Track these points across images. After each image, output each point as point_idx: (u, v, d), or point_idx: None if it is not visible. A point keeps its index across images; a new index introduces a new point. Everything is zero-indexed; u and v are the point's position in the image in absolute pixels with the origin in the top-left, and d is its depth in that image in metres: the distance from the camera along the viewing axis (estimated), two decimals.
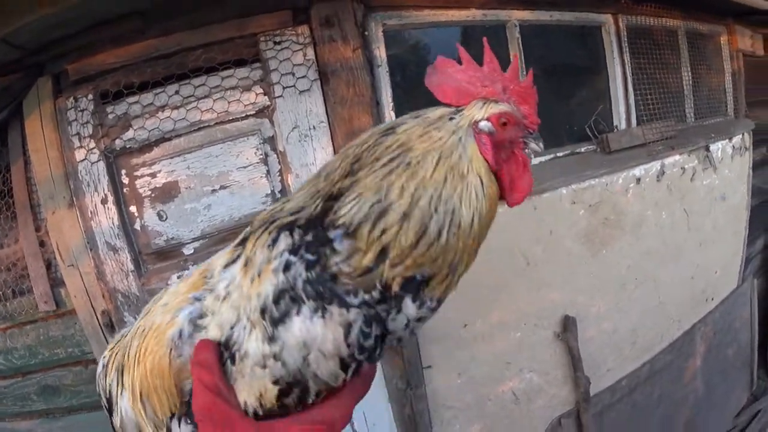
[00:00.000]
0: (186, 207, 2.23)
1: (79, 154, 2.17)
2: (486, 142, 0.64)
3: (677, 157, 3.16)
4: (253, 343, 0.62)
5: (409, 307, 0.62)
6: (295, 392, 0.61)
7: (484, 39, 0.70)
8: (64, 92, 2.19)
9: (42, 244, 2.29)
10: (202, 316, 0.67)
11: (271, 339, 0.61)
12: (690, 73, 3.48)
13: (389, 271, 0.60)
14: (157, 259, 2.26)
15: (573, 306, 2.89)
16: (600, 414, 3.11)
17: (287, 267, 0.61)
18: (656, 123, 3.06)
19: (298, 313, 0.60)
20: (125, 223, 2.21)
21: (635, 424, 3.37)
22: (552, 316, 2.84)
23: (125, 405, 0.74)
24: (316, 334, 0.59)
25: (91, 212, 2.20)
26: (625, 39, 2.98)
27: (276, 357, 0.60)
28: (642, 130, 2.98)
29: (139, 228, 2.23)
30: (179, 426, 0.69)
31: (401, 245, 0.59)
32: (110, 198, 2.18)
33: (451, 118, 0.65)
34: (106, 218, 2.20)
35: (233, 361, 0.63)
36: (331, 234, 0.61)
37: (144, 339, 0.72)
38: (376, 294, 0.60)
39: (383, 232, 0.59)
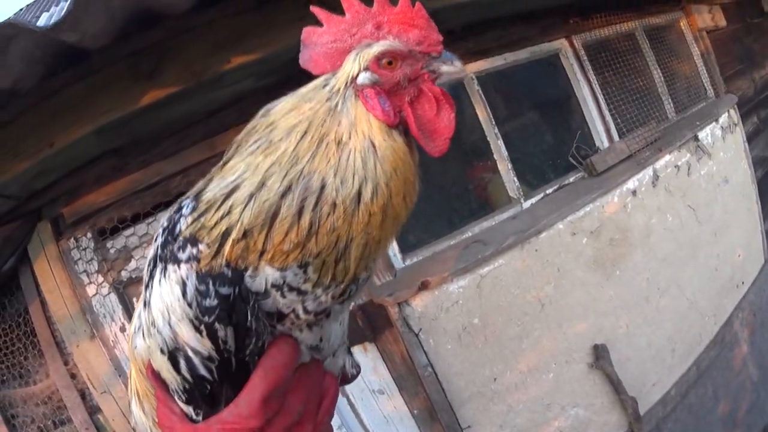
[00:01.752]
0: None
1: (90, 290, 2.31)
2: (371, 96, 0.57)
3: (667, 157, 3.18)
4: (143, 313, 0.64)
5: (266, 268, 0.56)
6: (182, 363, 0.60)
7: None
8: (65, 233, 2.33)
9: (73, 376, 2.42)
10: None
11: (145, 304, 0.62)
12: (659, 70, 3.52)
13: (250, 255, 0.56)
14: None
15: (600, 333, 2.88)
16: (658, 428, 3.08)
17: (156, 239, 0.62)
18: (638, 131, 3.09)
19: (152, 277, 0.61)
20: None
21: (697, 425, 3.32)
22: (581, 348, 2.84)
23: (135, 408, 0.79)
24: (165, 296, 0.58)
25: (112, 341, 2.34)
26: (585, 58, 3.03)
27: (153, 324, 0.61)
28: (625, 142, 3.01)
29: None
30: None
31: (244, 224, 0.54)
32: (128, 326, 2.29)
33: (324, 85, 0.59)
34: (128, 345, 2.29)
35: (144, 339, 0.65)
36: (185, 209, 0.59)
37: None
38: (203, 247, 0.56)
39: (228, 212, 0.55)
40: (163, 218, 0.62)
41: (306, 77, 0.64)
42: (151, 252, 0.63)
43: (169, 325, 0.59)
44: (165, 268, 0.59)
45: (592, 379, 2.89)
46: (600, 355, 2.86)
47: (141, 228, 2.34)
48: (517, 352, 2.64)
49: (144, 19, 1.62)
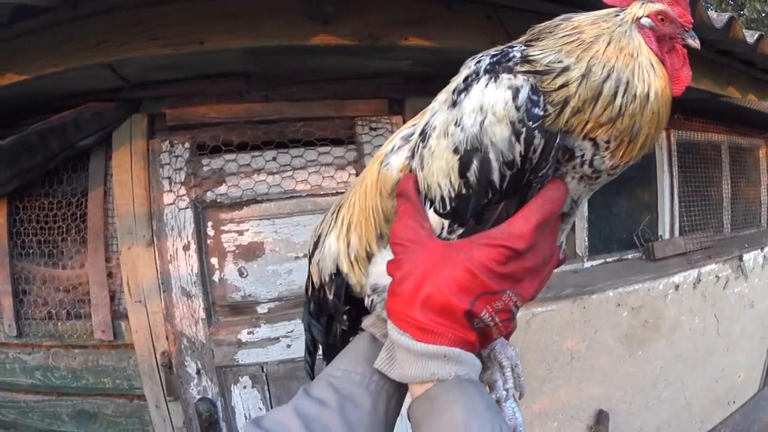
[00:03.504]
0: (268, 268, 2.41)
1: (168, 198, 2.31)
2: (649, 35, 0.72)
3: (713, 265, 3.48)
4: (441, 116, 0.70)
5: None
6: (474, 164, 0.66)
7: None
8: (158, 134, 2.33)
9: (110, 275, 2.40)
10: (411, 134, 0.78)
11: (454, 104, 0.69)
12: (730, 186, 3.84)
13: (568, 120, 0.66)
14: (230, 312, 2.43)
15: (608, 401, 3.16)
16: None
17: (478, 62, 0.71)
18: (697, 233, 3.40)
19: (477, 82, 0.68)
20: (204, 272, 2.36)
21: None
22: (588, 409, 3.11)
23: (331, 241, 0.86)
24: (489, 96, 0.66)
25: (170, 255, 2.34)
26: (675, 153, 3.34)
27: (457, 123, 0.67)
28: (684, 239, 3.31)
29: (217, 280, 2.39)
30: (381, 250, 0.78)
31: (580, 98, 0.66)
32: (193, 246, 2.33)
33: (616, 15, 0.73)
34: (186, 264, 2.35)
35: (425, 142, 0.72)
36: (516, 53, 0.69)
37: (363, 175, 0.84)
38: (540, 68, 0.66)
39: (564, 85, 0.66)
40: (474, 62, 0.71)
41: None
42: (467, 72, 0.71)
43: (481, 124, 0.66)
44: (497, 76, 0.67)
45: None
46: (601, 421, 3.12)
47: (243, 158, 2.35)
48: (536, 392, 2.90)
49: None
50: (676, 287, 3.27)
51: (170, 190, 2.32)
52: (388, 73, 2.43)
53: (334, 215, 0.89)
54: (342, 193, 2.19)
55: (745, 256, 3.79)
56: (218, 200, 2.36)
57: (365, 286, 0.78)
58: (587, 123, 0.66)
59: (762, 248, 3.98)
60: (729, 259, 3.64)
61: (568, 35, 0.70)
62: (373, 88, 2.46)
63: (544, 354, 2.85)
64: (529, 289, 0.67)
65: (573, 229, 2.96)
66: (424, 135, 0.73)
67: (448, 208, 0.69)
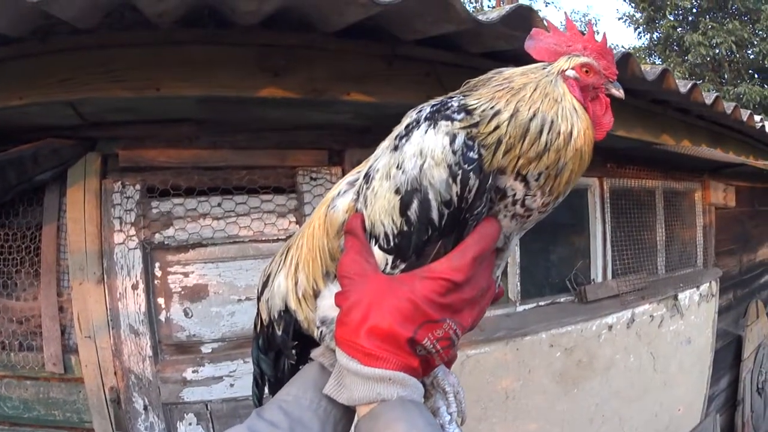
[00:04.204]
0: (212, 310, 2.49)
1: (118, 237, 2.37)
2: (573, 85, 0.78)
3: (647, 306, 3.68)
4: (383, 159, 0.77)
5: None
6: (415, 204, 0.72)
7: (566, 14, 0.95)
8: (111, 174, 2.38)
9: (61, 309, 2.44)
10: (356, 180, 0.85)
11: (396, 148, 0.75)
12: (664, 230, 4.05)
13: (501, 159, 0.72)
14: (176, 350, 2.50)
15: None
16: None
17: (419, 112, 0.78)
18: (630, 276, 3.60)
19: (417, 129, 0.74)
20: (151, 311, 2.43)
21: None
22: None
23: (280, 280, 0.91)
24: (428, 142, 0.72)
25: (119, 294, 2.39)
26: (608, 200, 3.54)
27: (398, 166, 0.73)
28: (616, 282, 3.50)
29: (163, 319, 2.47)
30: (329, 286, 0.83)
31: (510, 136, 0.71)
32: (141, 285, 2.40)
33: (544, 68, 0.80)
34: (134, 303, 2.41)
35: (368, 184, 0.78)
36: (454, 103, 0.76)
37: (311, 219, 0.91)
38: (476, 117, 0.73)
39: (497, 127, 0.72)
40: (415, 111, 0.79)
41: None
42: (408, 121, 0.78)
43: (420, 167, 0.72)
44: (435, 123, 0.73)
45: None
46: None
47: (191, 202, 2.42)
48: (473, 431, 3.05)
49: (298, 20, 1.83)
50: (610, 328, 3.45)
51: (120, 230, 2.39)
52: (330, 125, 2.54)
53: (283, 255, 0.94)
54: (283, 240, 2.30)
55: (681, 295, 3.99)
56: (166, 242, 2.44)
57: (313, 321, 0.84)
58: (518, 159, 0.72)
59: (698, 287, 4.19)
60: (664, 298, 3.84)
61: (499, 85, 0.77)
62: (314, 139, 2.57)
63: (479, 394, 3.00)
64: (468, 319, 0.72)
65: (505, 274, 3.14)
66: (368, 177, 0.79)
67: (392, 244, 0.74)
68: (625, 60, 2.40)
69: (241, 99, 2.04)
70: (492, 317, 3.05)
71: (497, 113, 0.73)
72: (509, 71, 0.80)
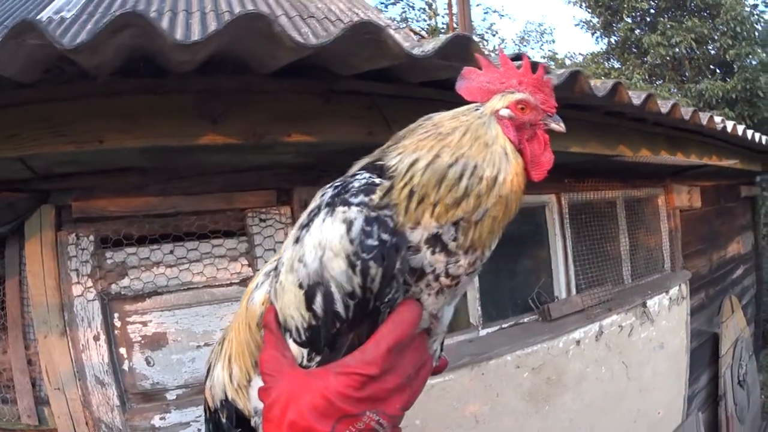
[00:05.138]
0: (173, 357, 2.51)
1: (76, 290, 2.37)
2: (508, 125, 0.75)
3: (615, 317, 3.71)
4: (287, 252, 0.75)
5: (426, 221, 0.70)
6: (318, 298, 0.70)
7: (500, 49, 0.99)
8: (65, 226, 2.39)
9: (30, 362, 2.45)
10: (272, 270, 0.83)
11: (297, 240, 0.73)
12: (627, 239, 4.09)
13: (416, 209, 0.70)
14: (142, 399, 2.51)
15: None
16: None
17: (323, 195, 0.76)
18: (595, 289, 3.63)
19: (317, 217, 0.72)
20: (114, 362, 2.44)
21: None
22: None
23: (218, 370, 0.91)
24: (326, 232, 0.69)
25: (82, 345, 2.40)
26: (567, 215, 3.57)
27: (300, 259, 0.71)
28: (581, 297, 3.53)
29: (127, 369, 2.48)
30: (256, 377, 0.82)
31: (424, 185, 0.70)
32: (102, 337, 2.41)
33: (476, 109, 0.77)
34: (97, 354, 2.42)
35: (277, 278, 0.76)
36: (355, 186, 0.73)
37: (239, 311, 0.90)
38: (375, 198, 0.70)
39: (411, 178, 0.70)
40: (320, 194, 0.77)
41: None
42: (311, 207, 0.77)
43: (320, 260, 0.69)
44: (333, 210, 0.70)
45: None
46: None
47: (143, 251, 2.44)
48: None
49: (233, 65, 1.86)
50: (577, 342, 3.48)
51: (78, 282, 2.39)
52: (275, 165, 2.55)
53: (220, 345, 0.94)
54: (236, 283, 2.32)
55: (649, 302, 4.03)
56: (122, 292, 2.44)
57: (251, 410, 0.83)
58: (434, 207, 0.70)
59: (667, 291, 4.23)
60: (632, 307, 3.87)
61: (425, 132, 0.75)
62: (260, 180, 2.57)
63: (447, 421, 3.01)
64: (395, 406, 0.70)
65: (465, 299, 3.16)
66: (276, 270, 0.78)
67: (303, 338, 0.73)
68: (574, 79, 2.41)
69: (183, 148, 2.05)
70: (454, 344, 3.08)
71: (414, 163, 0.72)
72: (439, 116, 0.78)
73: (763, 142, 5.12)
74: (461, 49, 1.85)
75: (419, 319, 0.73)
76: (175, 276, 2.50)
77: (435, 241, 0.71)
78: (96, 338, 2.43)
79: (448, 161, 0.71)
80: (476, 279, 3.15)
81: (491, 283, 3.31)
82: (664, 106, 3.38)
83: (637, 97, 3.07)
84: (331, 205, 0.72)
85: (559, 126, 0.81)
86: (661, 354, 4.23)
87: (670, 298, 4.28)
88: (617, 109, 3.22)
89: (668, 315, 4.25)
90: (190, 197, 2.50)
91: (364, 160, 0.80)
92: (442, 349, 0.89)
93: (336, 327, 0.71)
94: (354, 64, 1.94)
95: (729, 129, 4.19)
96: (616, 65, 14.54)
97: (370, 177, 0.74)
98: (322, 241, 0.70)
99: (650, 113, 3.29)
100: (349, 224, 0.69)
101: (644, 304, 3.98)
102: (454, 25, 11.89)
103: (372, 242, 0.68)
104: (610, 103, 3.00)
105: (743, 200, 6.61)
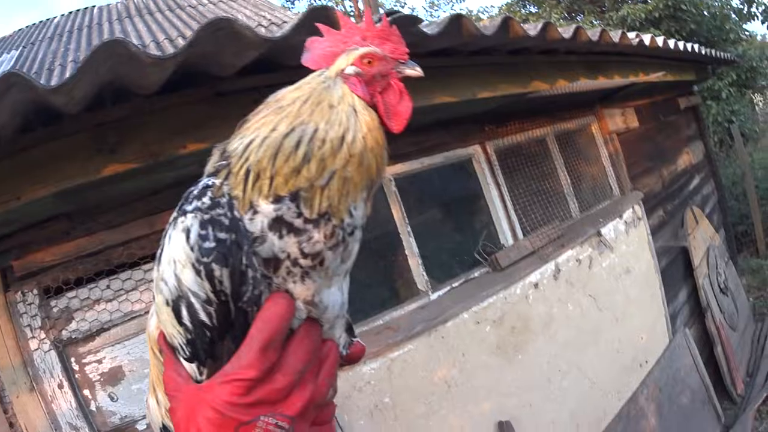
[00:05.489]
0: (133, 388, 2.53)
1: (33, 344, 2.44)
2: (355, 83, 0.74)
3: (570, 252, 3.67)
4: (154, 273, 0.74)
5: (263, 206, 0.68)
6: (183, 311, 0.69)
7: (366, 10, 0.92)
8: (13, 286, 2.45)
9: (11, 424, 2.48)
10: None
11: (158, 260, 0.72)
12: (566, 173, 4.04)
13: (253, 188, 0.68)
14: None
15: (504, 412, 3.28)
16: None
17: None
18: (542, 229, 3.58)
19: (167, 233, 0.71)
20: (82, 405, 2.48)
21: None
22: (487, 425, 3.23)
23: (149, 398, 0.89)
24: (173, 245, 0.69)
25: (50, 396, 2.45)
26: (496, 163, 3.52)
27: (161, 278, 0.71)
28: (529, 240, 3.48)
29: (95, 409, 2.51)
30: None
31: (259, 161, 0.68)
32: (65, 383, 2.45)
33: (320, 74, 0.75)
34: (65, 401, 2.47)
35: (153, 298, 0.75)
36: (194, 192, 0.71)
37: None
38: (206, 200, 0.68)
39: (246, 158, 0.69)
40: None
41: None
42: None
43: (174, 273, 0.68)
44: (175, 222, 0.70)
45: None
46: (504, 431, 3.24)
47: (83, 292, 2.50)
48: (425, 429, 3.00)
49: (116, 94, 1.89)
50: (535, 286, 3.43)
51: (33, 337, 2.44)
52: (185, 179, 2.51)
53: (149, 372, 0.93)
54: None
55: (603, 230, 3.99)
56: (73, 336, 2.48)
57: None
58: (271, 181, 0.67)
59: (620, 216, 4.19)
60: (586, 239, 3.83)
61: (268, 108, 0.73)
62: (175, 197, 2.50)
63: (417, 392, 2.96)
64: (295, 405, 0.68)
65: (407, 266, 3.10)
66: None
67: (188, 353, 0.72)
68: (457, 23, 2.39)
69: (90, 184, 2.06)
70: (406, 314, 3.02)
71: (251, 142, 0.69)
72: (284, 91, 0.75)
73: (689, 49, 5.12)
74: (322, 20, 1.83)
75: (289, 311, 0.70)
76: (116, 309, 2.52)
77: (278, 224, 0.68)
78: (60, 386, 2.47)
79: (284, 131, 0.69)
80: (414, 244, 3.09)
81: (432, 245, 3.25)
82: (566, 32, 3.35)
83: (533, 29, 3.04)
84: (175, 218, 0.71)
85: (414, 71, 0.79)
86: (629, 279, 4.19)
87: (626, 222, 4.24)
88: (518, 45, 3.19)
89: (627, 239, 4.22)
90: (115, 230, 2.53)
91: (220, 147, 0.77)
92: (353, 335, 0.86)
93: (208, 336, 0.69)
94: (228, 63, 1.96)
95: (647, 42, 4.17)
96: (534, 10, 14.59)
97: (207, 180, 0.72)
98: (171, 255, 0.69)
99: (554, 41, 3.26)
100: (187, 232, 0.68)
101: (599, 233, 3.94)
102: (359, 6, 11.81)
103: (209, 244, 0.66)
104: (505, 40, 2.97)
105: (685, 112, 6.59)
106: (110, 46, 1.57)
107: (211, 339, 0.69)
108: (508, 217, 3.52)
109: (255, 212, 0.68)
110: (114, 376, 2.53)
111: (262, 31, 1.87)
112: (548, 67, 3.68)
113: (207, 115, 2.18)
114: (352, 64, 0.75)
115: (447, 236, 3.42)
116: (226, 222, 0.67)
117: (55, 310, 2.48)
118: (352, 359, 0.82)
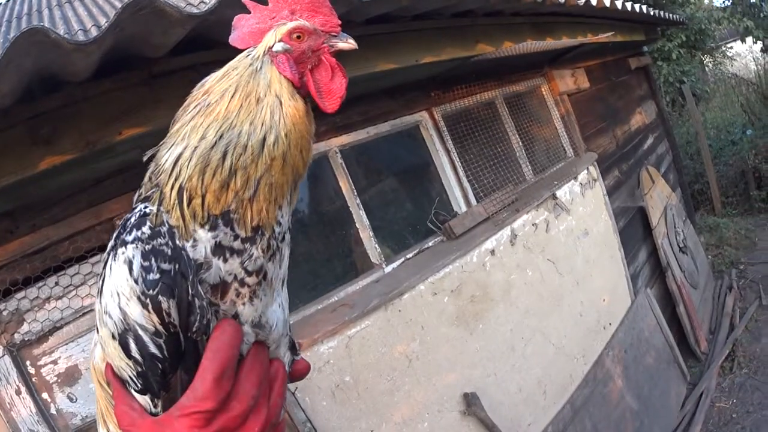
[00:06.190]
0: (90, 386, 2.46)
1: None
2: (283, 61, 0.71)
3: (525, 216, 3.62)
4: (96, 306, 0.72)
5: (200, 234, 0.66)
6: (132, 344, 0.67)
7: None
8: None
9: None
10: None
11: (100, 293, 0.70)
12: (517, 136, 3.98)
13: (189, 211, 0.66)
14: None
15: (469, 382, 3.23)
16: None
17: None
18: (495, 194, 3.51)
19: (107, 265, 0.68)
20: (41, 409, 2.43)
21: None
22: (452, 397, 3.17)
23: (100, 429, 0.86)
24: (115, 277, 0.66)
25: (9, 404, 2.39)
26: (444, 128, 3.44)
27: (105, 311, 0.68)
28: (483, 206, 3.42)
29: (55, 412, 2.46)
30: None
31: (191, 179, 0.65)
32: (23, 389, 2.39)
33: (248, 55, 0.72)
34: (24, 407, 2.41)
35: (98, 332, 0.73)
36: (131, 220, 0.69)
37: None
38: (146, 230, 0.66)
39: (177, 177, 0.66)
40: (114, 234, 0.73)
41: None
42: (106, 251, 0.72)
43: (119, 307, 0.66)
44: (115, 253, 0.67)
45: (466, 425, 3.22)
46: (471, 403, 3.19)
47: (32, 292, 2.44)
48: (389, 405, 2.93)
49: (46, 85, 1.83)
50: (492, 252, 3.37)
51: None
52: (128, 166, 2.48)
53: (96, 406, 0.90)
54: None
55: (559, 193, 3.95)
56: (26, 339, 2.42)
57: None
58: (203, 198, 0.65)
59: (575, 177, 4.16)
60: (541, 202, 3.78)
61: (196, 106, 0.69)
62: (121, 184, 2.52)
63: (378, 368, 2.88)
64: (254, 428, 0.68)
65: (360, 243, 3.01)
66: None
67: (140, 385, 0.70)
68: None
69: (28, 179, 2.03)
70: (360, 289, 2.94)
71: (180, 156, 0.67)
72: (210, 79, 0.72)
73: (636, 10, 5.11)
74: None
75: (237, 338, 0.69)
76: (66, 306, 2.46)
77: (220, 249, 0.67)
78: (18, 392, 2.41)
79: (212, 140, 0.66)
80: (364, 216, 3.00)
81: (383, 217, 3.17)
82: None
83: None
84: (114, 248, 0.69)
85: (347, 43, 0.76)
86: (588, 241, 4.18)
87: (581, 184, 4.21)
88: (462, 7, 3.14)
89: (583, 201, 4.19)
90: (59, 224, 2.46)
91: (149, 153, 0.75)
92: (296, 353, 0.86)
93: (160, 368, 0.68)
94: (158, 43, 1.90)
95: (594, 3, 4.12)
96: None
97: (142, 207, 0.69)
98: (114, 287, 0.67)
99: (498, 2, 3.21)
100: (129, 264, 0.65)
101: (554, 196, 3.89)
102: None
103: (153, 276, 0.65)
104: (449, 3, 2.95)
105: (636, 72, 6.61)
106: (31, 34, 1.50)
107: (163, 371, 0.68)
108: (460, 184, 3.45)
109: (195, 240, 0.66)
110: (71, 376, 2.48)
111: (193, 10, 1.78)
112: (495, 30, 3.62)
113: (142, 99, 2.14)
114: (280, 41, 0.72)
115: (398, 206, 3.34)
116: (169, 252, 0.65)
117: (5, 313, 2.42)
118: (297, 376, 0.84)
